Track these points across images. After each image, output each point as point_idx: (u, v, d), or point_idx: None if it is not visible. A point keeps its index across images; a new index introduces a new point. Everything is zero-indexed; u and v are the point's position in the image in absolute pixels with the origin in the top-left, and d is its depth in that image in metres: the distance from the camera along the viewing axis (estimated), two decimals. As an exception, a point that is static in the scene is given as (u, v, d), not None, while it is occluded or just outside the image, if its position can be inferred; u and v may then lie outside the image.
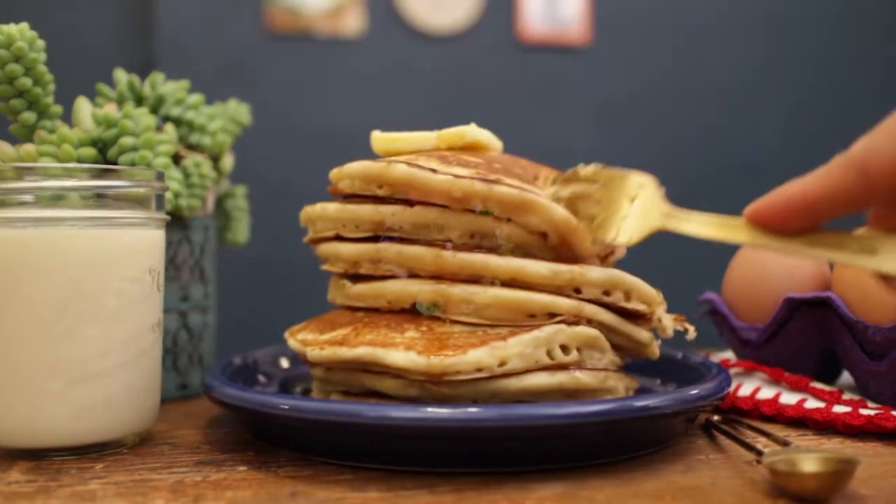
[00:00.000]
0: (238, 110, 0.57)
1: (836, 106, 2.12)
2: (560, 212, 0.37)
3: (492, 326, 0.37)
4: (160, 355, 0.40)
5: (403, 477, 0.33)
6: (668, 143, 2.04)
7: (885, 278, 0.27)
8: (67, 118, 0.46)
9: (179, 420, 0.44)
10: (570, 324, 0.37)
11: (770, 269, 0.51)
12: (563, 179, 0.39)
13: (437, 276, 0.38)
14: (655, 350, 0.41)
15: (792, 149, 2.08)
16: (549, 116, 1.97)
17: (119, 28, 1.78)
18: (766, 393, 0.45)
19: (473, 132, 0.43)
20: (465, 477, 0.33)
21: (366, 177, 0.39)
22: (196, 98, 0.52)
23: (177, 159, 0.49)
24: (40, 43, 0.43)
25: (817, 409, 0.41)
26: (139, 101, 0.50)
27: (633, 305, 0.39)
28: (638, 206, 0.36)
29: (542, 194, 0.38)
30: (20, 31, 0.42)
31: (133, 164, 0.44)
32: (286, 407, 0.34)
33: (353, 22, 1.85)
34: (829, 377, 0.50)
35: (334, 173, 0.42)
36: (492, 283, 0.37)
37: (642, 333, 0.40)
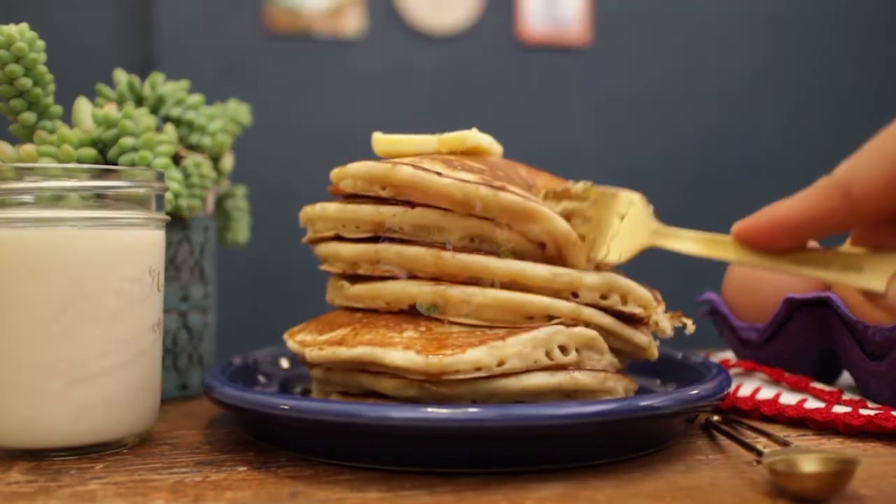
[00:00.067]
0: (238, 110, 0.57)
1: (836, 106, 2.12)
2: (562, 224, 0.37)
3: (490, 328, 0.37)
4: (160, 355, 0.40)
5: (403, 477, 0.33)
6: (668, 143, 2.04)
7: (871, 295, 0.27)
8: (67, 118, 0.46)
9: (179, 420, 0.44)
10: (568, 325, 0.37)
11: (770, 270, 0.51)
12: (554, 195, 0.39)
13: (437, 278, 0.38)
14: (654, 352, 0.41)
15: (792, 149, 2.09)
16: (549, 116, 1.97)
17: (119, 28, 1.78)
18: (766, 393, 0.45)
19: (474, 137, 0.43)
20: (465, 477, 0.33)
21: (369, 177, 0.39)
22: (196, 98, 0.52)
23: (177, 160, 0.50)
24: (40, 43, 0.43)
25: (817, 410, 0.41)
26: (139, 101, 0.50)
27: (630, 309, 0.39)
28: (627, 224, 0.36)
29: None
30: (20, 32, 0.42)
31: (133, 164, 0.44)
32: (286, 407, 0.34)
33: (353, 22, 1.85)
34: (829, 377, 0.50)
35: (335, 173, 0.42)
36: (491, 285, 0.37)
37: (640, 336, 0.40)
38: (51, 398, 0.36)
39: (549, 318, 0.37)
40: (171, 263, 0.50)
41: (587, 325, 0.38)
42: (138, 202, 0.39)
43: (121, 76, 0.51)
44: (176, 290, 0.50)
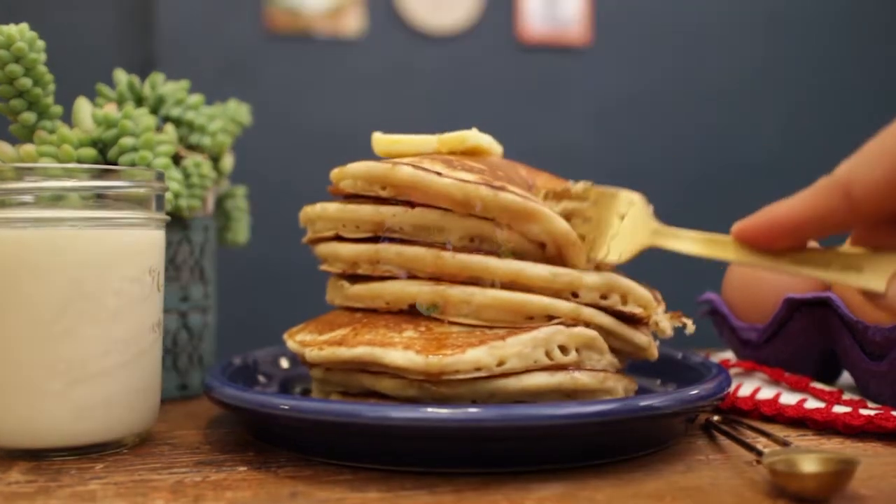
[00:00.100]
0: (238, 110, 0.57)
1: (836, 106, 2.12)
2: (562, 224, 0.37)
3: (490, 328, 0.37)
4: (160, 355, 0.40)
5: (403, 477, 0.33)
6: (668, 143, 2.04)
7: (871, 295, 0.27)
8: (67, 118, 0.46)
9: (179, 420, 0.44)
10: (568, 325, 0.37)
11: (770, 270, 0.51)
12: (554, 195, 0.39)
13: (436, 278, 0.38)
14: (654, 352, 0.41)
15: (792, 149, 2.09)
16: (549, 116, 1.97)
17: (119, 28, 1.78)
18: (766, 393, 0.45)
19: (474, 137, 0.43)
20: (465, 477, 0.33)
21: (370, 177, 0.39)
22: (196, 98, 0.52)
23: (177, 160, 0.50)
24: (40, 43, 0.43)
25: (817, 410, 0.41)
26: (139, 101, 0.50)
27: (630, 309, 0.39)
28: (627, 224, 0.36)
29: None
30: (20, 32, 0.42)
31: (133, 164, 0.44)
32: (286, 407, 0.34)
33: (353, 22, 1.85)
34: (829, 377, 0.50)
35: (335, 173, 0.42)
36: (491, 285, 0.37)
37: (640, 337, 0.40)
38: (51, 398, 0.36)
39: (549, 318, 0.37)
40: (171, 263, 0.50)
41: (587, 325, 0.38)
42: (138, 202, 0.39)
43: (121, 76, 0.51)
44: (176, 290, 0.50)
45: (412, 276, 0.39)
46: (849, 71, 2.13)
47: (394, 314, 0.39)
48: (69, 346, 0.36)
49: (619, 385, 0.39)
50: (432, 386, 0.36)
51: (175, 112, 0.50)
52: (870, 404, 0.42)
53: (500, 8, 1.93)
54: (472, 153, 0.43)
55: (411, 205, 0.39)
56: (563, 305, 0.37)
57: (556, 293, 0.37)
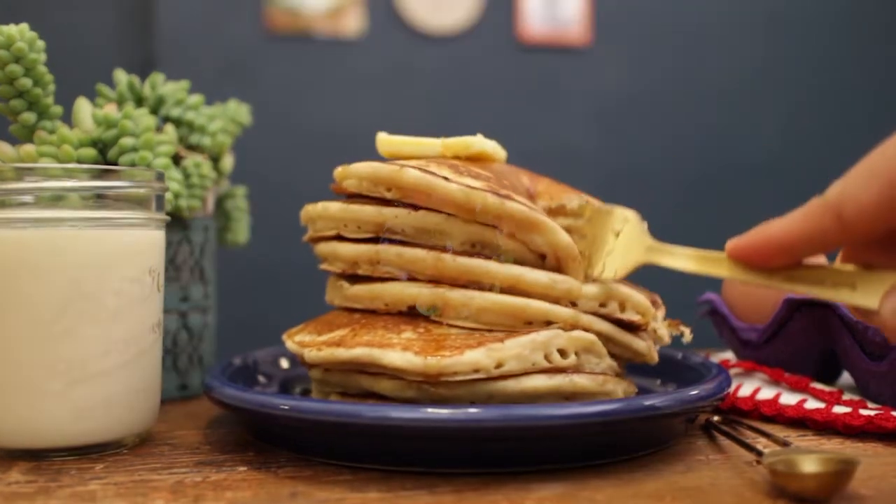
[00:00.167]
0: (238, 111, 0.57)
1: (836, 106, 2.12)
2: (565, 237, 0.38)
3: (490, 331, 0.37)
4: (160, 356, 0.40)
5: (403, 477, 0.33)
6: (668, 143, 2.04)
7: (865, 312, 0.28)
8: (67, 119, 0.46)
9: (179, 420, 0.44)
10: (567, 330, 0.37)
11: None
12: (549, 212, 0.40)
13: (436, 280, 0.38)
14: (654, 357, 0.41)
15: (792, 149, 2.09)
16: (549, 117, 1.97)
17: (119, 28, 1.78)
18: (766, 393, 0.45)
19: (479, 142, 0.43)
20: (465, 477, 0.33)
21: (376, 178, 0.39)
22: (196, 98, 0.52)
23: (177, 160, 0.50)
24: (40, 44, 0.43)
25: (817, 410, 0.41)
26: (139, 101, 0.50)
27: (629, 316, 0.39)
28: (622, 241, 0.37)
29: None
30: (20, 32, 0.42)
31: (133, 164, 0.44)
32: (286, 407, 0.34)
33: (353, 22, 1.85)
34: (829, 377, 0.50)
35: (339, 172, 0.42)
36: (490, 290, 0.37)
37: (639, 342, 0.40)
38: (51, 398, 0.36)
39: (548, 323, 0.37)
40: (171, 264, 0.50)
41: (585, 331, 0.38)
42: (138, 202, 0.39)
43: (121, 76, 0.51)
44: (176, 291, 0.50)
45: (412, 278, 0.39)
46: (849, 71, 2.13)
47: (393, 315, 0.39)
48: (69, 346, 0.36)
49: (619, 388, 0.39)
50: (430, 387, 0.36)
51: (175, 112, 0.50)
52: (870, 404, 0.42)
53: (500, 8, 1.93)
54: (477, 159, 0.43)
55: (414, 207, 0.39)
56: (562, 311, 0.37)
57: (555, 300, 0.37)
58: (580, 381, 0.37)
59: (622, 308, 0.39)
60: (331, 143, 1.79)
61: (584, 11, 1.97)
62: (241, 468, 0.35)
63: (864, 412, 0.40)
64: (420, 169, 0.38)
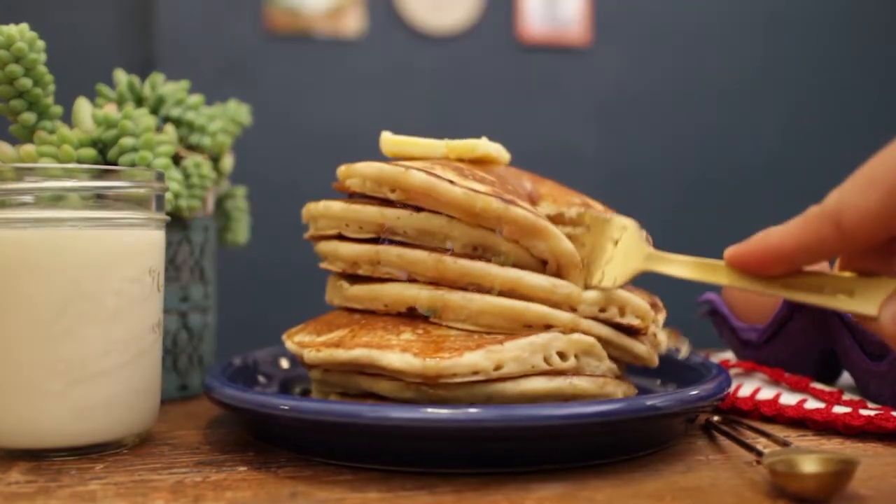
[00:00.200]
0: (238, 111, 0.57)
1: (836, 106, 2.12)
2: (568, 245, 0.38)
3: (489, 333, 0.37)
4: (160, 356, 0.40)
5: (403, 477, 0.33)
6: (668, 143, 2.04)
7: (864, 319, 0.28)
8: (67, 119, 0.46)
9: (179, 421, 0.44)
10: (566, 333, 0.37)
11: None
12: (548, 220, 0.40)
13: (436, 282, 0.38)
14: (654, 360, 0.41)
15: (792, 149, 2.09)
16: (549, 117, 1.97)
17: (119, 28, 1.78)
18: (766, 393, 0.45)
19: (484, 146, 0.43)
20: (465, 477, 0.33)
21: (380, 179, 0.39)
22: (196, 98, 0.52)
23: (177, 160, 0.50)
24: (40, 44, 0.43)
25: (817, 410, 0.41)
26: (139, 101, 0.50)
27: (628, 320, 0.39)
28: (621, 249, 0.37)
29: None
30: (20, 32, 0.42)
31: (133, 164, 0.44)
32: (286, 407, 0.34)
33: (353, 22, 1.85)
34: (829, 377, 0.50)
35: (342, 170, 0.42)
36: (490, 292, 0.37)
37: (639, 346, 0.40)
38: (51, 398, 0.36)
39: (547, 327, 0.37)
40: (171, 264, 0.50)
41: (585, 335, 0.38)
42: (138, 202, 0.39)
43: (121, 76, 0.51)
44: (176, 291, 0.50)
45: (412, 279, 0.39)
46: (849, 71, 2.13)
47: (392, 316, 0.39)
48: (69, 346, 0.36)
49: (619, 390, 0.39)
50: (429, 389, 0.35)
51: (175, 112, 0.50)
52: (870, 404, 0.42)
53: (500, 8, 1.93)
54: (481, 161, 0.43)
55: (417, 209, 0.38)
56: (561, 315, 0.37)
57: (555, 305, 0.37)
58: (580, 383, 0.37)
59: (622, 313, 0.39)
60: (331, 143, 1.79)
61: (584, 11, 1.97)
62: (241, 468, 0.35)
63: (864, 412, 0.40)
64: (425, 171, 0.38)
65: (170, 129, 0.50)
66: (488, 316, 0.37)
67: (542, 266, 0.38)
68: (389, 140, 0.44)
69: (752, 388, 0.46)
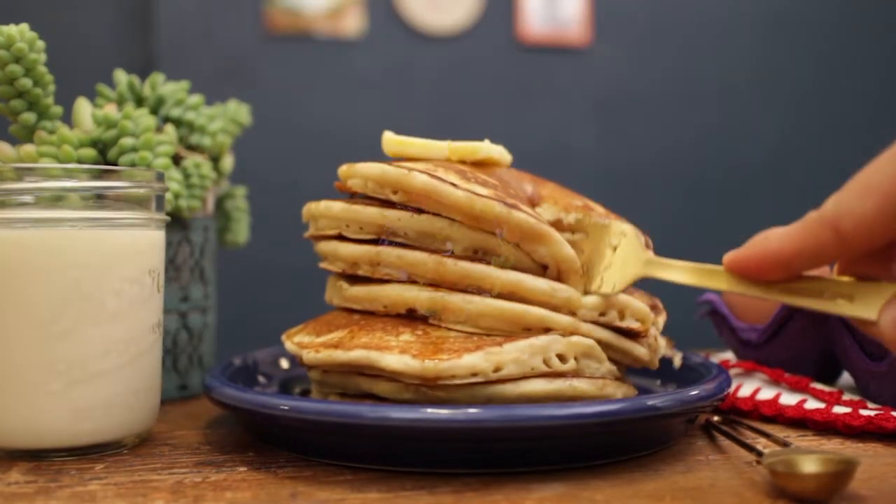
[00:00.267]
0: (238, 111, 0.57)
1: (836, 106, 2.12)
2: (569, 250, 0.38)
3: (488, 335, 0.37)
4: (160, 356, 0.40)
5: (403, 478, 0.33)
6: (667, 143, 2.04)
7: (863, 323, 0.28)
8: (67, 119, 0.46)
9: (179, 421, 0.44)
10: (566, 335, 0.37)
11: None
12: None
13: (435, 284, 0.38)
14: (655, 362, 0.41)
15: (792, 149, 2.09)
16: (549, 116, 1.97)
17: (119, 28, 1.78)
18: (766, 394, 0.45)
19: (487, 148, 0.43)
20: (465, 477, 0.33)
21: (382, 180, 0.39)
22: (196, 99, 0.52)
23: (177, 160, 0.50)
24: (40, 44, 0.43)
25: (817, 410, 0.41)
26: (139, 101, 0.50)
27: (628, 324, 0.39)
28: (619, 255, 0.37)
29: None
30: (20, 32, 0.42)
31: (133, 164, 0.44)
32: (286, 408, 0.34)
33: (352, 22, 1.85)
34: (829, 378, 0.50)
35: (344, 170, 0.42)
36: (489, 295, 0.37)
37: (639, 349, 0.40)
38: (51, 399, 0.36)
39: (547, 330, 0.37)
40: (171, 264, 0.50)
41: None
42: (138, 202, 0.39)
43: (121, 76, 0.51)
44: (176, 291, 0.50)
45: (411, 280, 0.39)
46: (848, 71, 2.13)
47: (391, 317, 0.39)
48: (69, 346, 0.36)
49: (619, 392, 0.39)
50: (428, 390, 0.35)
51: (175, 112, 0.50)
52: (870, 405, 0.42)
53: (500, 8, 1.93)
54: (483, 164, 0.43)
55: (418, 211, 0.38)
56: (561, 318, 0.37)
57: (555, 308, 0.37)
58: (579, 385, 0.37)
59: (621, 316, 0.39)
60: (331, 143, 1.79)
61: (584, 11, 1.97)
62: (241, 468, 0.35)
63: (864, 412, 0.40)
64: (428, 174, 0.38)
65: (170, 129, 0.50)
66: (488, 318, 0.37)
67: (542, 271, 0.38)
68: (391, 140, 0.44)
69: (752, 388, 0.46)
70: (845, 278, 0.29)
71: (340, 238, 0.41)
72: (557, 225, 0.41)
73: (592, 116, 1.99)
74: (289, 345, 0.41)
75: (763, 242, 0.29)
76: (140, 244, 0.38)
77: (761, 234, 0.30)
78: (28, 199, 0.36)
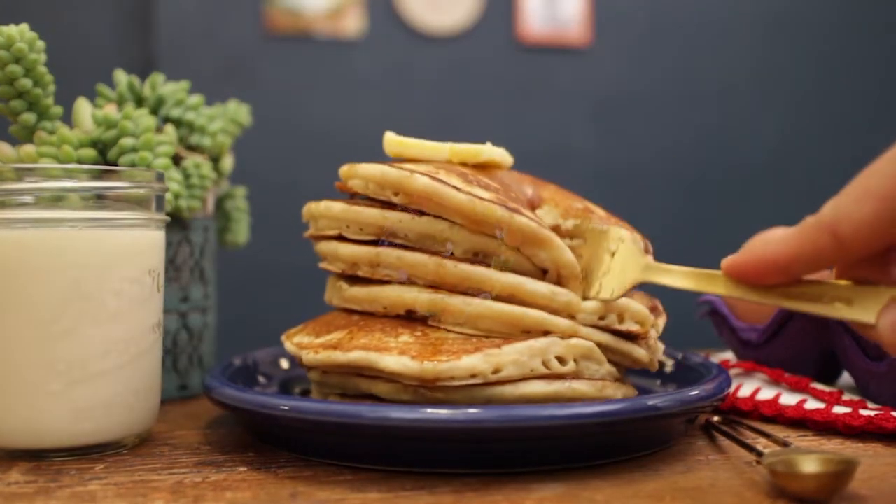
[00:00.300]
0: (238, 111, 0.57)
1: (836, 106, 2.12)
2: (570, 256, 0.38)
3: (487, 337, 0.37)
4: (160, 356, 0.40)
5: (403, 478, 0.33)
6: (667, 143, 2.04)
7: (862, 327, 0.28)
8: (67, 119, 0.46)
9: (179, 421, 0.44)
10: (565, 338, 0.37)
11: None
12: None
13: (435, 285, 0.38)
14: (655, 364, 0.41)
15: (792, 149, 2.09)
16: (549, 116, 1.97)
17: (119, 28, 1.78)
18: (766, 394, 0.45)
19: (489, 151, 0.43)
20: (465, 478, 0.33)
21: (383, 181, 0.39)
22: (196, 99, 0.52)
23: (177, 160, 0.50)
24: (40, 44, 0.43)
25: (817, 410, 0.41)
26: (139, 101, 0.50)
27: (627, 326, 0.39)
28: (618, 261, 0.37)
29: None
30: (20, 33, 0.42)
31: (133, 164, 0.44)
32: (286, 408, 0.34)
33: (352, 22, 1.85)
34: (829, 378, 0.50)
35: (345, 170, 0.42)
36: (489, 297, 0.37)
37: (638, 350, 0.40)
38: (51, 398, 0.36)
39: (546, 333, 0.37)
40: (171, 264, 0.50)
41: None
42: (138, 203, 0.39)
43: (121, 77, 0.51)
44: (176, 291, 0.50)
45: (411, 281, 0.39)
46: (848, 71, 2.13)
47: (390, 318, 0.39)
48: (69, 346, 0.36)
49: (619, 393, 0.39)
50: (427, 391, 0.35)
51: (175, 113, 0.50)
52: (870, 405, 0.42)
53: (500, 8, 1.93)
54: (484, 166, 0.43)
55: (418, 213, 0.38)
56: (560, 322, 0.37)
57: (554, 312, 0.37)
58: (579, 387, 0.37)
59: (620, 319, 0.39)
60: (331, 144, 1.79)
61: (584, 11, 1.97)
62: (241, 468, 0.35)
63: (864, 412, 0.40)
64: (430, 176, 0.38)
65: (170, 129, 0.50)
66: (487, 320, 0.37)
67: (542, 275, 0.38)
68: (393, 140, 0.44)
69: (752, 388, 0.46)
70: (844, 282, 0.29)
71: (340, 238, 0.41)
72: (555, 231, 0.41)
73: (592, 116, 1.99)
74: (288, 345, 0.41)
75: (761, 247, 0.29)
76: (140, 244, 0.38)
77: (759, 237, 0.30)
78: (28, 199, 0.36)
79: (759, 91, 2.09)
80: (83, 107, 0.47)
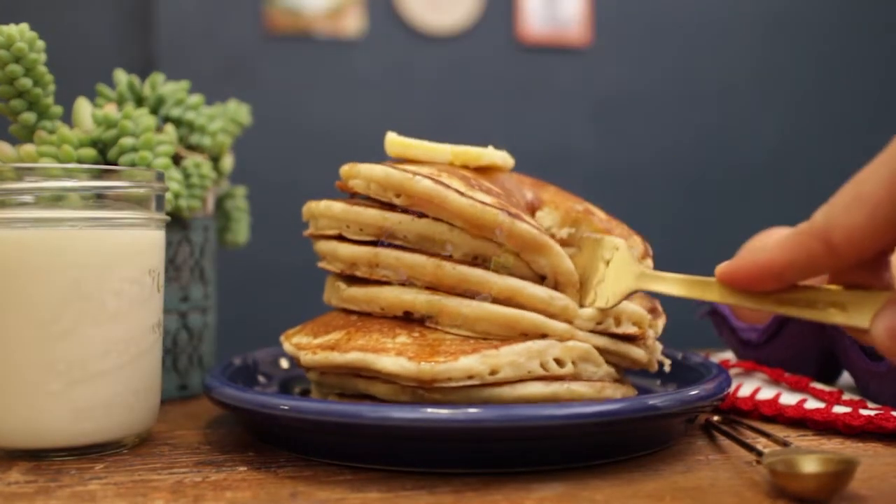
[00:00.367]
0: (238, 111, 0.57)
1: (836, 106, 2.12)
2: (569, 263, 0.38)
3: (485, 339, 0.37)
4: (160, 356, 0.40)
5: (403, 478, 0.33)
6: (667, 143, 2.04)
7: (857, 332, 0.28)
8: (67, 119, 0.46)
9: (179, 421, 0.44)
10: (563, 340, 0.37)
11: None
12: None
13: (434, 287, 0.38)
14: (654, 364, 0.41)
15: (792, 149, 2.09)
16: (549, 116, 1.97)
17: (119, 28, 1.78)
18: (766, 393, 0.45)
19: (490, 155, 0.43)
20: (465, 477, 0.33)
21: (385, 183, 0.39)
22: (196, 98, 0.52)
23: (177, 160, 0.50)
24: (40, 44, 0.43)
25: (817, 410, 0.41)
26: (139, 101, 0.50)
27: (625, 329, 0.39)
28: (612, 269, 0.37)
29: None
30: (20, 32, 0.42)
31: (133, 164, 0.44)
32: (286, 408, 0.34)
33: (352, 22, 1.85)
34: (829, 377, 0.50)
35: (346, 169, 0.42)
36: (486, 299, 0.37)
37: (637, 351, 0.40)
38: (51, 398, 0.36)
39: (543, 336, 0.37)
40: (171, 264, 0.50)
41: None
42: (138, 202, 0.39)
43: (121, 76, 0.51)
44: (176, 291, 0.50)
45: (409, 283, 0.39)
46: (848, 71, 2.13)
47: (388, 318, 0.39)
48: (69, 346, 0.36)
49: (618, 393, 0.39)
50: (425, 392, 0.35)
51: (175, 112, 0.50)
52: (870, 404, 0.42)
53: (500, 8, 1.93)
54: (486, 169, 0.43)
55: (419, 215, 0.38)
56: (557, 325, 0.37)
57: (551, 317, 0.37)
58: (578, 388, 0.37)
59: (618, 322, 0.39)
60: (331, 143, 1.79)
61: (584, 11, 1.97)
62: (241, 468, 0.35)
63: (864, 412, 0.40)
64: (432, 179, 0.38)
65: (170, 129, 0.50)
66: (484, 322, 0.37)
67: (539, 281, 0.38)
68: (395, 141, 0.44)
69: (752, 388, 0.46)
70: (838, 287, 0.29)
71: (340, 238, 0.41)
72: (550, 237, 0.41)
73: (592, 116, 1.99)
74: (287, 346, 0.41)
75: (754, 254, 0.29)
76: (140, 244, 0.38)
77: (753, 241, 0.30)
78: (28, 199, 0.36)
79: (759, 91, 2.09)
80: (83, 106, 0.47)
